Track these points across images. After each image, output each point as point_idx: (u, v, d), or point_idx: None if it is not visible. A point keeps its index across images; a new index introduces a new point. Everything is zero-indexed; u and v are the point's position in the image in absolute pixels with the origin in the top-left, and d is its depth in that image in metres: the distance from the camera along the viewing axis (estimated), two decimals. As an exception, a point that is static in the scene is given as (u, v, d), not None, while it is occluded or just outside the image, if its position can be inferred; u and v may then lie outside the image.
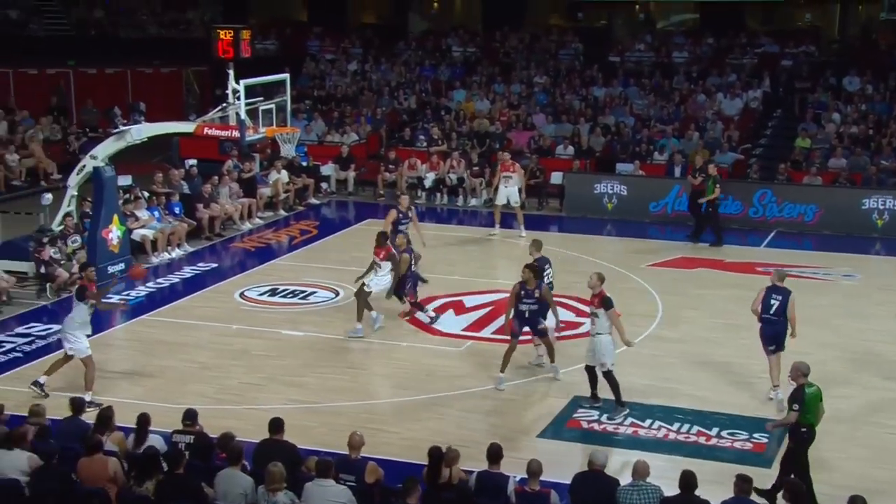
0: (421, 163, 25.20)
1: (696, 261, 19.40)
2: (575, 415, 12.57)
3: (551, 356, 13.60)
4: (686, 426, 12.29)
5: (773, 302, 12.75)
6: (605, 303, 12.42)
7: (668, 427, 12.26)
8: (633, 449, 11.51)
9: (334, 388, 13.31)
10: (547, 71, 30.33)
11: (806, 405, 10.17)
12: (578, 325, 15.48)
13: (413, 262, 15.74)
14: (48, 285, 16.91)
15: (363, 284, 15.08)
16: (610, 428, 12.24)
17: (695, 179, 21.27)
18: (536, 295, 13.15)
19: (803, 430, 10.21)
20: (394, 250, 15.25)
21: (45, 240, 17.32)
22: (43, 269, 17.03)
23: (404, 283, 15.49)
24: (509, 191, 21.21)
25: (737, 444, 11.83)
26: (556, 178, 24.36)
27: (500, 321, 15.64)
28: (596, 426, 12.28)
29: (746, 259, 19.44)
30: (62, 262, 17.09)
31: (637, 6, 34.42)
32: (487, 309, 16.32)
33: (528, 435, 12.04)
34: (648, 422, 12.37)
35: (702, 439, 11.99)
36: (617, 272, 18.54)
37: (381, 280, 15.20)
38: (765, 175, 23.99)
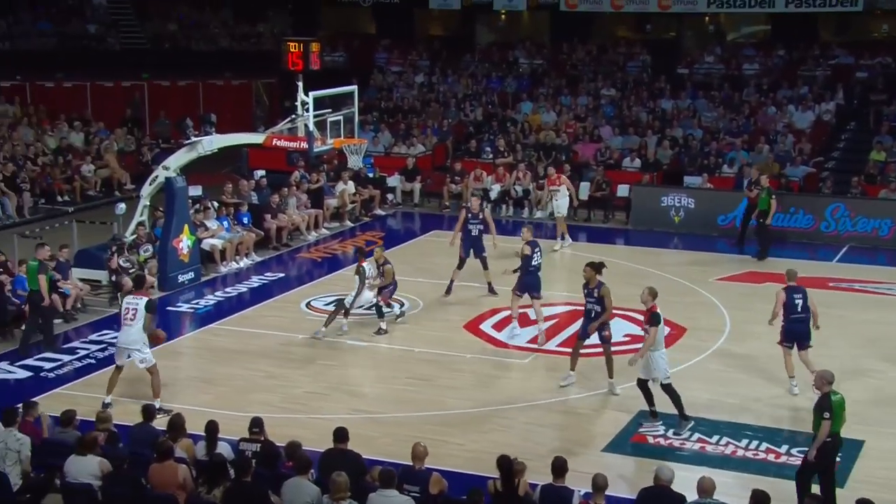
0: (487, 174, 25.22)
1: (765, 275, 19.08)
2: (640, 429, 12.44)
3: (610, 371, 13.48)
4: (755, 443, 12.08)
5: (797, 301, 13.26)
6: (653, 319, 12.35)
7: (736, 444, 12.06)
8: (699, 465, 11.33)
9: (398, 399, 13.35)
10: (614, 83, 30.17)
11: (834, 413, 9.95)
12: (643, 338, 15.30)
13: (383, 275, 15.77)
14: (119, 294, 17.26)
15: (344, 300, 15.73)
16: (676, 443, 12.08)
17: (750, 192, 21.10)
18: (596, 294, 13.19)
19: (828, 439, 9.99)
20: (364, 264, 15.69)
21: (114, 248, 17.67)
22: (113, 278, 17.38)
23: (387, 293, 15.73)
24: (556, 203, 21.37)
25: (806, 463, 11.55)
26: (623, 190, 24.20)
27: (566, 333, 15.58)
28: (662, 441, 12.13)
29: (817, 274, 19.08)
30: (130, 270, 17.38)
31: (707, 18, 34.05)
32: (552, 322, 16.23)
33: (593, 449, 11.94)
34: (715, 438, 12.19)
35: (770, 457, 11.77)
36: (684, 286, 18.35)
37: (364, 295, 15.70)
38: (838, 189, 23.52)
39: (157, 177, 18.50)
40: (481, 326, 16.16)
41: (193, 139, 18.02)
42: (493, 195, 24.64)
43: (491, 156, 26.40)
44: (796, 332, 13.29)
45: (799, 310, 13.27)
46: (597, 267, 13.38)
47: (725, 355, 15.02)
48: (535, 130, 27.98)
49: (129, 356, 12.84)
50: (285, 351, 15.11)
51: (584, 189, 24.21)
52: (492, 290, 17.56)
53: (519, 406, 13.15)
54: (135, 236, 18.33)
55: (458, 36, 36.14)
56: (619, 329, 15.52)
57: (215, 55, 34.49)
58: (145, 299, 12.77)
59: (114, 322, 16.39)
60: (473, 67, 32.76)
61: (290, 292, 18.27)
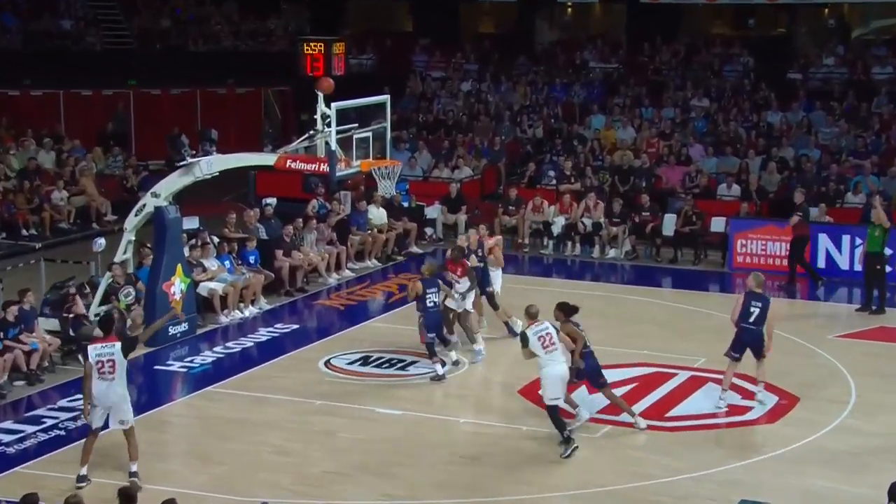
0: (548, 204, 25.25)
1: (900, 332, 18.91)
2: None
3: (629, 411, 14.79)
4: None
5: (752, 309, 15.03)
6: (521, 339, 14.14)
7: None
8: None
9: (439, 483, 13.32)
10: (707, 91, 30.16)
11: None
12: (746, 409, 15.23)
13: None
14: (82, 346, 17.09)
15: (446, 308, 17.02)
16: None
17: (789, 219, 21.42)
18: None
19: None
20: (468, 264, 17.28)
21: (72, 290, 17.65)
22: (71, 330, 17.31)
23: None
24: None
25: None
26: (718, 224, 24.10)
27: (647, 401, 15.49)
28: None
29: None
30: (93, 318, 17.43)
31: (826, 9, 33.94)
32: (630, 386, 16.16)
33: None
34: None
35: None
36: (796, 344, 18.22)
37: (462, 299, 17.10)
38: None
39: (144, 206, 18.70)
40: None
41: (189, 160, 18.23)
42: (556, 230, 24.66)
43: (554, 182, 26.45)
44: (744, 340, 15.11)
45: (751, 320, 15.00)
46: (567, 311, 14.49)
47: (850, 432, 14.82)
48: (608, 150, 28.00)
49: (107, 419, 12.97)
50: (299, 421, 15.11)
51: (670, 223, 24.18)
52: (512, 332, 17.78)
53: (587, 492, 13.04)
54: (110, 279, 18.43)
55: (513, 34, 36.44)
56: (710, 397, 15.43)
57: (217, 57, 34.99)
58: (118, 344, 12.85)
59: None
60: (532, 73, 32.93)
61: (306, 348, 18.33)
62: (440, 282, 17.03)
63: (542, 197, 25.43)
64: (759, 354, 15.24)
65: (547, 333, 14.04)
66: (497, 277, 18.40)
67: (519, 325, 17.09)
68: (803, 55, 31.95)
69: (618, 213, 24.42)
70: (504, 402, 15.77)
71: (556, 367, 13.96)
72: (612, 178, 26.52)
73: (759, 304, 15.06)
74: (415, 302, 16.93)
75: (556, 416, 14.00)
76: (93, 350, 12.90)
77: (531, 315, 14.21)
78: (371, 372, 16.99)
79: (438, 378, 16.48)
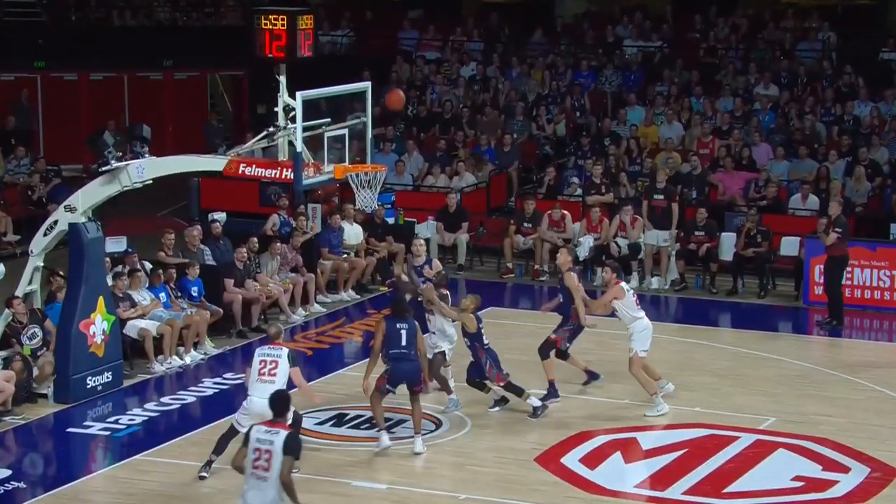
0: (573, 220, 25.15)
1: None
2: None
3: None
4: None
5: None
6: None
7: None
8: None
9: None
10: (776, 77, 30.13)
11: None
12: (828, 484, 15.14)
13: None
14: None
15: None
16: None
17: (826, 236, 21.46)
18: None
19: None
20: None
21: None
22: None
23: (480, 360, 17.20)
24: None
25: None
26: (790, 246, 24.03)
27: (700, 472, 15.42)
28: None
29: None
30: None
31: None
32: (678, 453, 16.12)
33: None
34: None
35: None
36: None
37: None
38: None
39: (56, 223, 18.61)
40: (564, 460, 16.00)
41: (115, 164, 18.15)
42: (583, 252, 24.54)
43: (579, 192, 26.37)
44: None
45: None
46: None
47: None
48: (649, 152, 27.94)
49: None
50: (254, 498, 14.99)
51: (728, 244, 24.14)
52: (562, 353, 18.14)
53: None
54: (10, 316, 18.23)
55: (528, 5, 36.40)
56: (781, 468, 15.34)
57: (150, 34, 34.99)
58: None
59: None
60: (552, 54, 32.91)
61: (263, 404, 18.23)
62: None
63: (565, 210, 25.26)
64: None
65: None
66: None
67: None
68: (898, 31, 32.05)
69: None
70: (517, 473, 15.64)
71: None
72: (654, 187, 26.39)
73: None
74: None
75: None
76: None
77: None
78: (347, 435, 16.88)
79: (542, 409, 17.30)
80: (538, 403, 17.26)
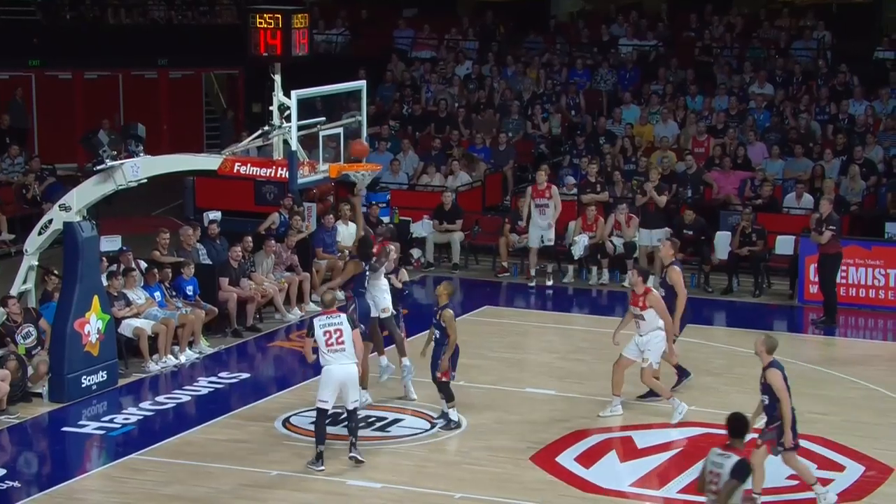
0: (568, 218, 25.18)
1: None
2: None
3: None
4: None
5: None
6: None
7: None
8: None
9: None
10: (771, 76, 30.15)
11: None
12: (823, 483, 15.13)
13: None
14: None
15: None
16: None
17: (820, 236, 21.51)
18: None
19: None
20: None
21: None
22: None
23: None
24: (543, 226, 22.36)
25: None
26: (785, 245, 24.04)
27: (694, 471, 15.37)
28: None
29: None
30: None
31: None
32: (672, 452, 16.16)
33: None
34: None
35: None
36: (886, 398, 18.19)
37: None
38: None
39: (50, 222, 18.63)
40: (559, 459, 16.03)
41: (109, 163, 18.16)
42: (578, 251, 24.54)
43: (574, 190, 26.38)
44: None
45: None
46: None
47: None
48: (644, 150, 27.95)
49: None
50: (250, 496, 15.01)
51: (723, 243, 24.17)
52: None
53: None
54: (5, 316, 18.24)
55: (523, 4, 36.41)
56: (776, 468, 15.38)
57: (145, 33, 34.96)
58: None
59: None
60: (547, 52, 32.91)
61: (259, 402, 18.26)
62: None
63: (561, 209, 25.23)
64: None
65: None
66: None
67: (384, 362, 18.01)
68: (895, 28, 32.00)
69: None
70: (512, 472, 15.65)
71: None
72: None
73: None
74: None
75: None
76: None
77: None
78: (342, 434, 16.79)
79: (456, 425, 16.93)
80: (456, 417, 16.98)
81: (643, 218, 24.62)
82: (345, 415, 16.00)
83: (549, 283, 24.24)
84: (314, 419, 15.64)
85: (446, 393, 16.85)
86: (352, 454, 15.60)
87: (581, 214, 25.18)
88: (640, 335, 17.18)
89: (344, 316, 15.69)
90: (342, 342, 15.44)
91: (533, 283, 23.80)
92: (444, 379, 16.77)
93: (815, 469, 15.45)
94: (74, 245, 18.21)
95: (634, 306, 17.20)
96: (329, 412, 15.69)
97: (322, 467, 15.37)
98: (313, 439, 15.81)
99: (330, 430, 16.46)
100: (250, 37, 18.30)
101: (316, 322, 15.61)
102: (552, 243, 24.12)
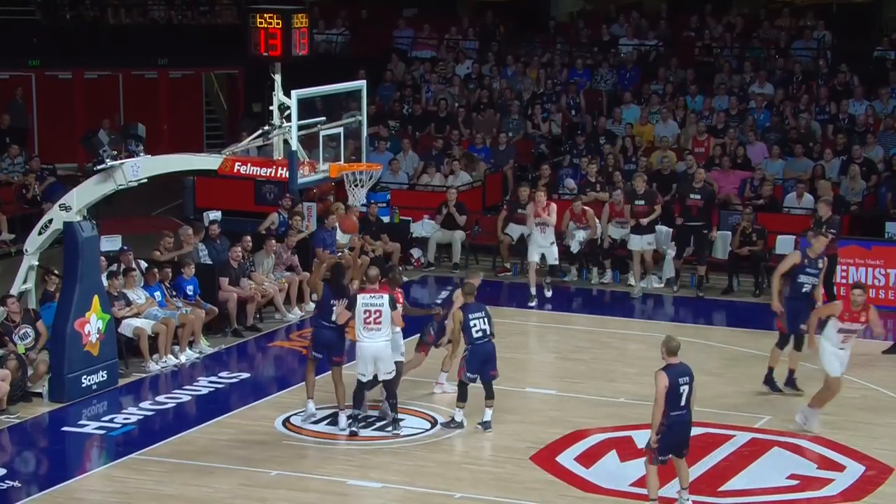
0: (570, 216, 25.08)
1: None
2: None
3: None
4: None
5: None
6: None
7: None
8: None
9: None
10: (771, 75, 30.13)
11: None
12: (823, 482, 15.11)
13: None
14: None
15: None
16: None
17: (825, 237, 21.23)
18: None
19: None
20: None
21: None
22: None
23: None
24: (545, 245, 22.37)
25: None
26: (785, 244, 24.00)
27: (695, 470, 15.41)
28: None
29: None
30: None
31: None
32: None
33: None
34: None
35: None
36: (889, 399, 18.17)
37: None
38: None
39: (50, 221, 18.61)
40: (559, 459, 16.03)
41: (110, 163, 18.15)
42: (575, 246, 24.41)
43: (574, 190, 26.34)
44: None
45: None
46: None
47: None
48: (644, 150, 27.94)
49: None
50: (250, 496, 15.00)
51: (723, 243, 24.17)
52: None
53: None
54: (5, 315, 18.23)
55: (523, 4, 36.39)
56: (776, 466, 15.32)
57: (145, 32, 34.92)
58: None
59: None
60: (548, 52, 32.89)
61: (259, 402, 18.26)
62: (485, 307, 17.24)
63: (561, 209, 24.90)
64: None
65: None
66: None
67: None
68: (895, 28, 31.97)
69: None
70: (512, 471, 15.65)
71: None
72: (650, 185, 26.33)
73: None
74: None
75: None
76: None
77: None
78: (342, 434, 16.85)
79: (457, 425, 16.91)
80: (460, 418, 16.95)
81: (635, 224, 24.32)
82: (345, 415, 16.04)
83: (549, 294, 23.78)
84: (355, 388, 16.67)
85: (460, 393, 16.90)
86: (391, 414, 16.74)
87: (569, 209, 24.56)
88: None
89: (386, 297, 16.38)
90: (379, 322, 16.24)
91: (534, 303, 23.39)
92: (460, 379, 16.91)
93: (815, 469, 15.48)
94: (74, 245, 18.20)
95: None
96: (367, 382, 16.63)
97: (355, 429, 16.57)
98: (310, 440, 15.78)
99: (330, 429, 16.50)
100: (250, 37, 18.30)
101: (360, 299, 16.34)
102: (557, 262, 23.54)
